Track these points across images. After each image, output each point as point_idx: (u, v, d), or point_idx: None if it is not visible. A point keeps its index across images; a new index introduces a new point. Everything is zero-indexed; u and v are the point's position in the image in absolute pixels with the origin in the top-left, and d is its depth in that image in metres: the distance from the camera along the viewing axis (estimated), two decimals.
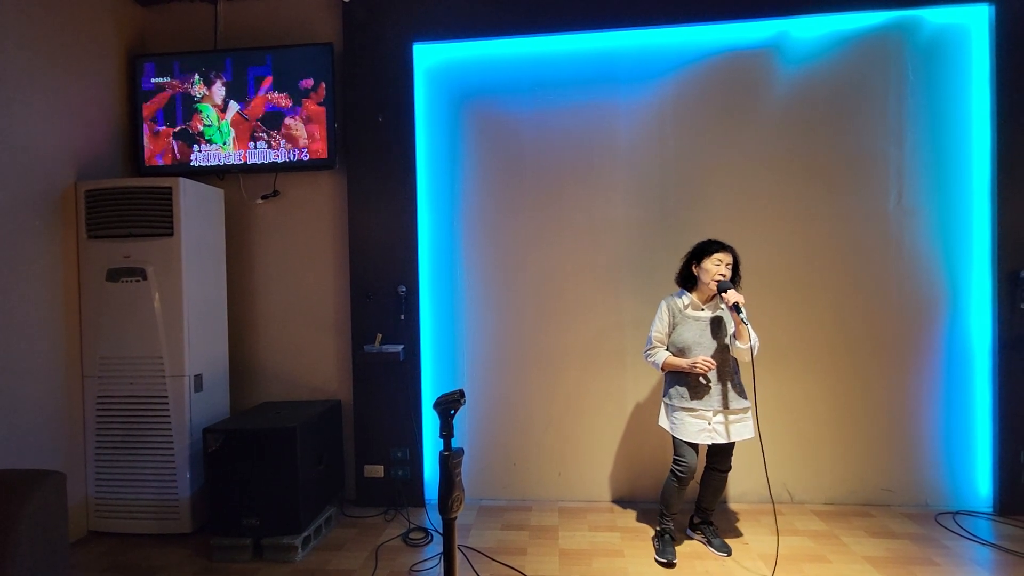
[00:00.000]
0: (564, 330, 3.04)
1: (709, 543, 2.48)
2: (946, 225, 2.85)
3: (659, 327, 2.43)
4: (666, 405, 2.44)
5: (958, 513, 2.77)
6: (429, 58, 3.06)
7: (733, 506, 2.93)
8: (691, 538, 2.57)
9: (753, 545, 2.49)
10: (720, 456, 2.42)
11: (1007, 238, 2.73)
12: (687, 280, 2.45)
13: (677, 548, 2.46)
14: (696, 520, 2.56)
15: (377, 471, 3.00)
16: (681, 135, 2.96)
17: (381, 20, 2.98)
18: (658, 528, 2.48)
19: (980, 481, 2.84)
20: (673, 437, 2.39)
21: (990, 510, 2.80)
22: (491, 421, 3.08)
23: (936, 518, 2.73)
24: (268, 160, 3.01)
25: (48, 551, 1.74)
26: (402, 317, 2.95)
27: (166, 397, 2.64)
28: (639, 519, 2.80)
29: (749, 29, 2.90)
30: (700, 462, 2.40)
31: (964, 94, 2.83)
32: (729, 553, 2.41)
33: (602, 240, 3.01)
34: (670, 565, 2.32)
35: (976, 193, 2.82)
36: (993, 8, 2.75)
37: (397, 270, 2.99)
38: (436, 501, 1.38)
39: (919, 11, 2.81)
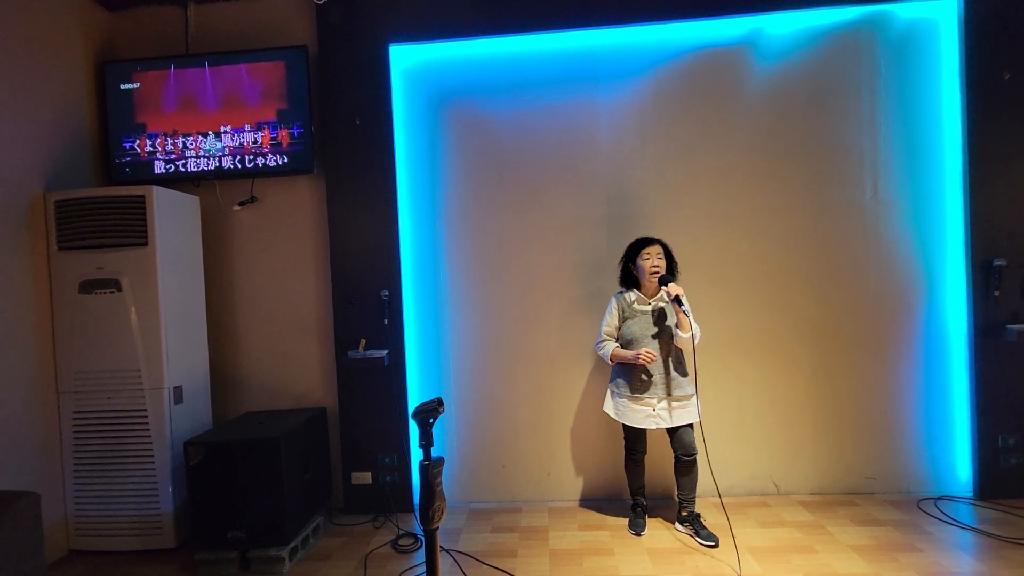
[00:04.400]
0: (549, 329, 3.03)
1: (696, 534, 2.51)
2: (921, 216, 2.90)
3: (609, 321, 2.62)
4: (612, 392, 2.64)
5: (940, 499, 2.82)
6: (406, 59, 3.03)
7: (720, 500, 2.94)
8: (680, 531, 2.61)
9: (740, 539, 2.50)
10: (679, 442, 2.53)
11: (980, 227, 2.78)
12: (629, 281, 2.65)
13: (669, 537, 2.53)
14: (683, 513, 2.59)
15: (365, 478, 2.97)
16: (660, 132, 2.97)
17: (356, 21, 2.95)
18: (631, 504, 2.74)
19: (960, 466, 2.89)
20: (623, 423, 2.59)
21: (970, 495, 2.85)
22: (478, 423, 3.06)
23: (918, 504, 2.77)
24: (244, 166, 2.96)
25: (24, 574, 1.70)
26: (386, 322, 2.92)
27: (145, 410, 2.58)
28: (629, 517, 2.80)
29: (724, 26, 2.92)
30: (661, 442, 2.59)
31: (935, 87, 2.88)
32: (716, 544, 2.44)
33: (585, 238, 3.01)
34: (638, 535, 2.57)
35: (949, 184, 2.88)
36: (961, 2, 2.79)
37: (379, 274, 2.96)
38: None
39: (889, 6, 2.85)
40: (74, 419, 2.60)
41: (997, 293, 2.75)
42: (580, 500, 3.03)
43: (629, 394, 2.52)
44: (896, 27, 2.88)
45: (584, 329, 3.01)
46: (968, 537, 2.44)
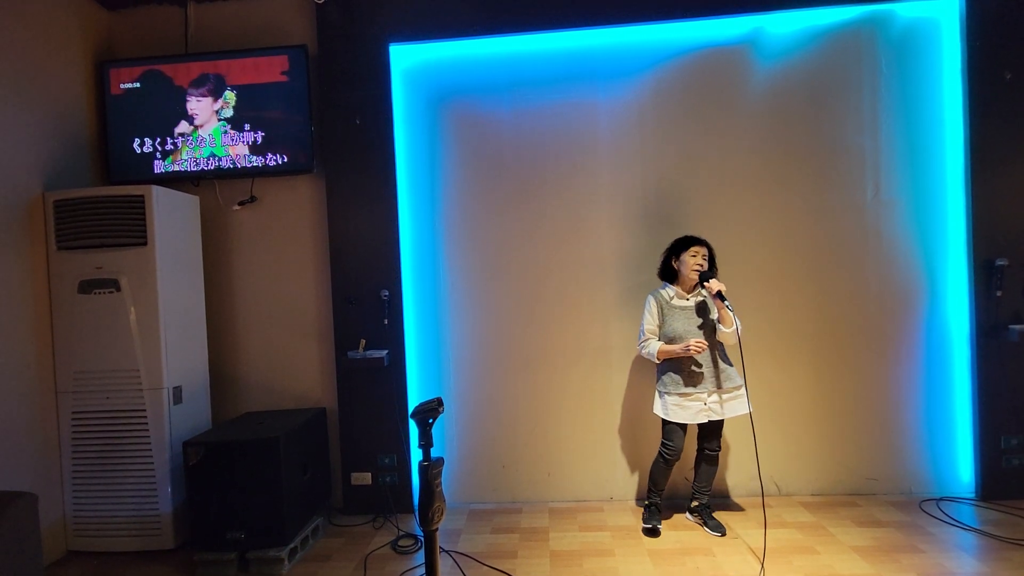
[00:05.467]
0: (548, 329, 3.02)
1: (705, 524, 2.59)
2: (922, 216, 2.89)
3: (649, 320, 2.59)
4: (660, 392, 2.57)
5: (941, 499, 2.81)
6: (406, 59, 3.02)
7: (721, 500, 2.94)
8: (689, 520, 2.71)
9: (743, 539, 2.50)
10: (711, 437, 2.57)
11: (982, 227, 2.77)
12: (668, 274, 2.63)
13: (670, 539, 2.53)
14: (694, 504, 2.67)
15: (364, 478, 2.96)
16: (661, 131, 2.96)
17: (356, 21, 2.94)
18: (647, 502, 2.67)
19: (962, 467, 2.88)
20: (663, 421, 2.54)
21: (972, 495, 2.84)
22: (478, 424, 3.05)
23: (920, 505, 2.76)
24: (244, 165, 2.95)
25: (21, 575, 1.69)
26: (385, 322, 2.91)
27: (144, 411, 2.57)
28: (630, 518, 2.79)
29: (725, 25, 2.91)
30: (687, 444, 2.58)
31: (936, 86, 2.87)
32: (723, 533, 2.52)
33: (584, 238, 3.00)
34: (654, 531, 2.56)
35: (950, 184, 2.87)
36: (962, 1, 2.79)
37: (379, 274, 2.95)
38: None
39: (890, 5, 2.84)
40: (73, 419, 2.59)
41: (999, 293, 2.74)
42: (580, 501, 3.02)
43: (681, 390, 2.47)
44: (897, 26, 2.87)
45: (584, 328, 3.01)
46: (970, 538, 2.43)
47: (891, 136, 2.89)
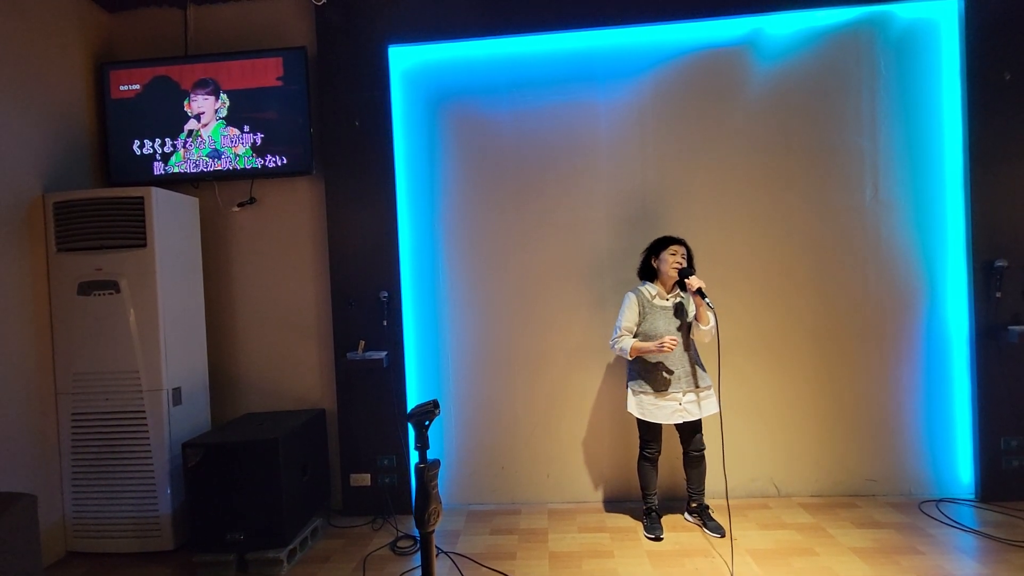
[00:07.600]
0: (548, 330, 3.02)
1: (704, 525, 2.59)
2: (922, 217, 2.89)
3: (629, 317, 2.57)
4: (633, 391, 2.59)
5: (941, 501, 2.81)
6: (405, 60, 3.03)
7: (720, 501, 2.93)
8: (688, 520, 2.71)
9: (741, 540, 2.49)
10: (691, 438, 2.57)
11: (981, 228, 2.77)
12: (647, 273, 2.65)
13: (668, 540, 2.53)
14: (692, 504, 2.67)
15: (364, 479, 2.96)
16: (660, 133, 2.97)
17: (355, 22, 2.95)
18: (644, 507, 2.67)
19: (962, 468, 2.88)
20: (638, 421, 2.57)
21: (972, 497, 2.83)
22: (477, 425, 3.06)
23: (920, 506, 2.76)
24: (243, 167, 2.96)
25: (21, 575, 1.69)
26: (385, 323, 2.92)
27: (144, 412, 2.58)
28: (629, 519, 2.79)
29: (724, 27, 2.91)
30: (666, 439, 2.65)
31: (935, 87, 2.87)
32: (723, 535, 2.51)
33: (584, 239, 3.01)
34: (658, 540, 2.53)
35: (950, 185, 2.86)
36: (962, 2, 2.78)
37: (378, 275, 2.95)
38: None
39: (889, 6, 2.84)
40: (72, 421, 2.60)
41: (998, 294, 2.73)
42: (580, 502, 3.02)
43: (653, 390, 2.50)
44: (896, 27, 2.87)
45: (584, 330, 3.01)
46: (970, 540, 2.43)
47: (890, 137, 2.89)
